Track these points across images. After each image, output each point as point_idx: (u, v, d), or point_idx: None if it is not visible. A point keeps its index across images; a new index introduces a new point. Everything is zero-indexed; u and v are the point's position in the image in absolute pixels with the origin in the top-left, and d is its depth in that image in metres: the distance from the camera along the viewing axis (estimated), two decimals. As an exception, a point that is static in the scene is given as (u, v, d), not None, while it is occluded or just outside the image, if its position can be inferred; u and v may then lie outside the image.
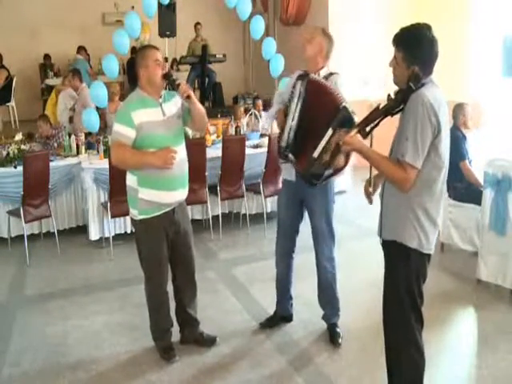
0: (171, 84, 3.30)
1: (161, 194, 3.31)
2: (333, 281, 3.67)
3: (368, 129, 2.55)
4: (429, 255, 2.61)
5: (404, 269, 2.58)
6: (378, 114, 2.51)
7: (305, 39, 3.48)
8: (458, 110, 5.10)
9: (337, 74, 3.50)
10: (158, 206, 3.33)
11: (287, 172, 3.61)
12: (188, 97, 3.27)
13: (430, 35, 2.45)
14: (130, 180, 3.36)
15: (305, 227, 3.72)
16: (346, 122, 3.01)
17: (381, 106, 2.52)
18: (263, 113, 7.49)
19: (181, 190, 3.41)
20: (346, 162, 3.16)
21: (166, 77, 3.29)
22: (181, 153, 3.36)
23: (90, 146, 6.18)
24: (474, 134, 5.31)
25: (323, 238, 3.60)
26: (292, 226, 3.70)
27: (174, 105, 3.39)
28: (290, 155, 3.43)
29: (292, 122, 3.39)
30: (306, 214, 3.71)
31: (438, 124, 2.40)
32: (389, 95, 2.52)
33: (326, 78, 3.44)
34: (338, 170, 3.27)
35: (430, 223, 2.54)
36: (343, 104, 3.09)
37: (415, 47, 2.43)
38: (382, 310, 2.75)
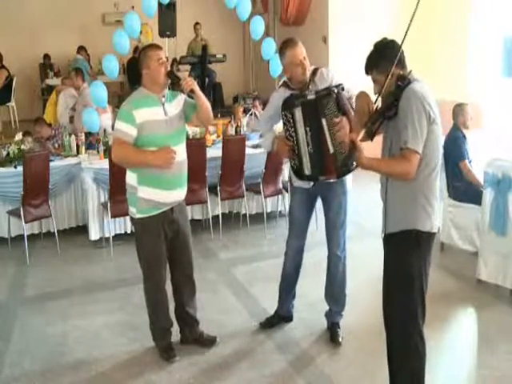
0: (174, 81, 3.31)
1: (159, 192, 3.31)
2: (344, 273, 3.68)
3: (374, 129, 2.61)
4: (434, 235, 2.72)
5: (416, 254, 2.65)
6: (378, 115, 2.60)
7: (301, 58, 3.38)
8: (457, 110, 5.09)
9: (319, 68, 3.51)
10: (157, 206, 3.33)
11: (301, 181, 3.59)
12: (192, 91, 3.27)
13: (380, 42, 2.67)
14: (130, 178, 3.37)
15: (311, 225, 3.73)
16: (325, 99, 3.17)
17: (379, 107, 2.63)
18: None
19: (179, 189, 3.41)
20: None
21: (169, 74, 3.30)
22: (181, 153, 3.35)
23: (90, 146, 6.18)
24: (473, 134, 5.30)
25: (339, 229, 3.62)
26: (306, 225, 3.72)
27: (176, 105, 3.39)
28: (321, 177, 3.40)
29: (308, 147, 3.35)
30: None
31: (431, 113, 2.53)
32: (382, 97, 2.63)
33: (314, 73, 3.46)
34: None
35: (435, 203, 2.68)
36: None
37: (380, 54, 2.63)
38: (382, 308, 2.76)
